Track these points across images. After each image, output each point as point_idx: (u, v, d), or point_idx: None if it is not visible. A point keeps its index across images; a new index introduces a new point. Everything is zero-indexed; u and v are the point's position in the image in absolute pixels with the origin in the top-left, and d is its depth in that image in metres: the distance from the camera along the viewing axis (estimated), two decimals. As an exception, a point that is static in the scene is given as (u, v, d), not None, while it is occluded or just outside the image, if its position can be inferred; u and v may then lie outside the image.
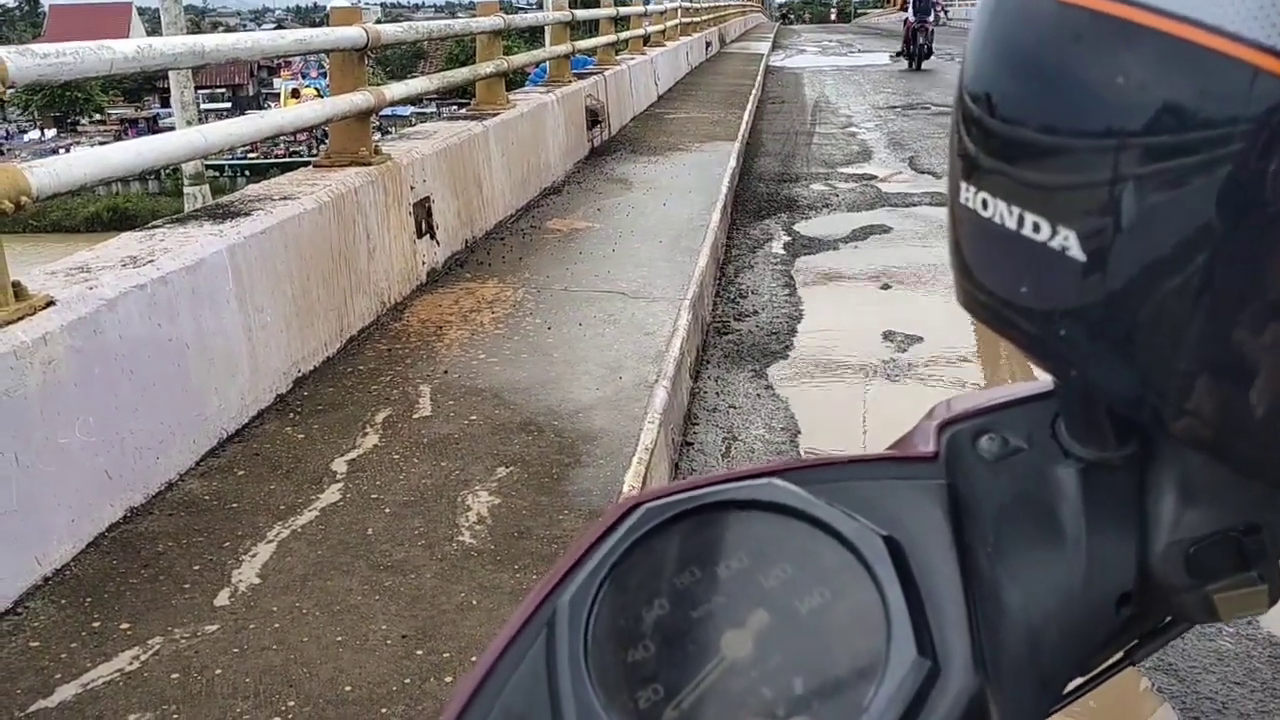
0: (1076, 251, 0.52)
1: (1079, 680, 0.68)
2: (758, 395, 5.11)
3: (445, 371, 4.16)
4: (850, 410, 5.08)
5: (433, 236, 5.49)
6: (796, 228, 8.52)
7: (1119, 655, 0.68)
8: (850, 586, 0.50)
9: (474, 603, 2.69)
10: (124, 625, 2.60)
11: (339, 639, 2.56)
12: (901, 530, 0.53)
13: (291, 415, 3.77)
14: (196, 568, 2.84)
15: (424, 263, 5.37)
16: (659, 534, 0.54)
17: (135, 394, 3.10)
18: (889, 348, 5.73)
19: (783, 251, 7.75)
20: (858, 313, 6.41)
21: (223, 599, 2.71)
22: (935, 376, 5.37)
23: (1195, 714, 2.54)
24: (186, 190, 11.76)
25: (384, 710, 2.31)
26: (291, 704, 2.34)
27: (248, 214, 3.96)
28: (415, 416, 3.74)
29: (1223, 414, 0.46)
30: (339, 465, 3.40)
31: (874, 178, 10.95)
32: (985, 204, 0.55)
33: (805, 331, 6.01)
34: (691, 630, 0.49)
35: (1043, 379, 0.64)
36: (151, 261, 3.30)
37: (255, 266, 3.76)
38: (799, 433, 4.78)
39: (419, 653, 2.50)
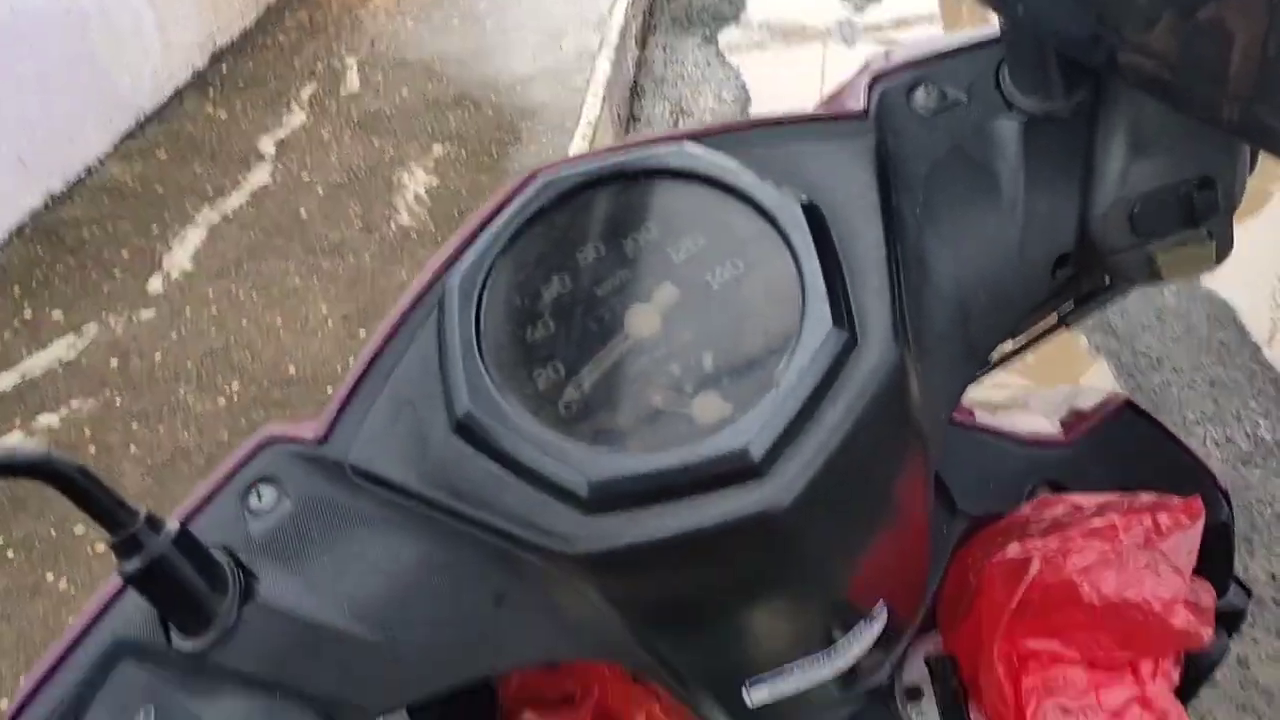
0: None
1: (1010, 345, 0.66)
2: (708, 63, 4.89)
3: (372, 42, 3.90)
4: (805, 77, 4.91)
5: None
6: (751, -125, 7.88)
7: (1052, 318, 0.65)
8: (766, 257, 0.47)
9: (415, 283, 2.66)
10: (55, 314, 2.55)
11: (279, 322, 2.53)
12: (824, 195, 0.49)
13: (211, 92, 3.55)
14: (125, 254, 2.76)
15: (343, -81, 4.92)
16: (560, 207, 0.50)
17: (39, 74, 2.87)
18: (846, 7, 5.46)
19: (736, -97, 7.21)
20: (814, -29, 6.06)
21: (156, 285, 2.65)
22: (895, 39, 5.16)
23: (1131, 370, 2.63)
24: None
25: (329, 389, 2.32)
26: (236, 386, 2.35)
27: None
28: (343, 92, 3.54)
29: (1183, 52, 0.40)
30: (266, 145, 3.24)
31: None
32: None
33: (758, -8, 5.70)
34: (594, 307, 0.47)
35: (991, 26, 0.56)
36: (30, -81, 2.96)
37: (152, -76, 3.41)
38: (750, 101, 4.62)
39: (362, 333, 2.49)
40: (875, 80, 0.55)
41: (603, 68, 3.69)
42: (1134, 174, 0.51)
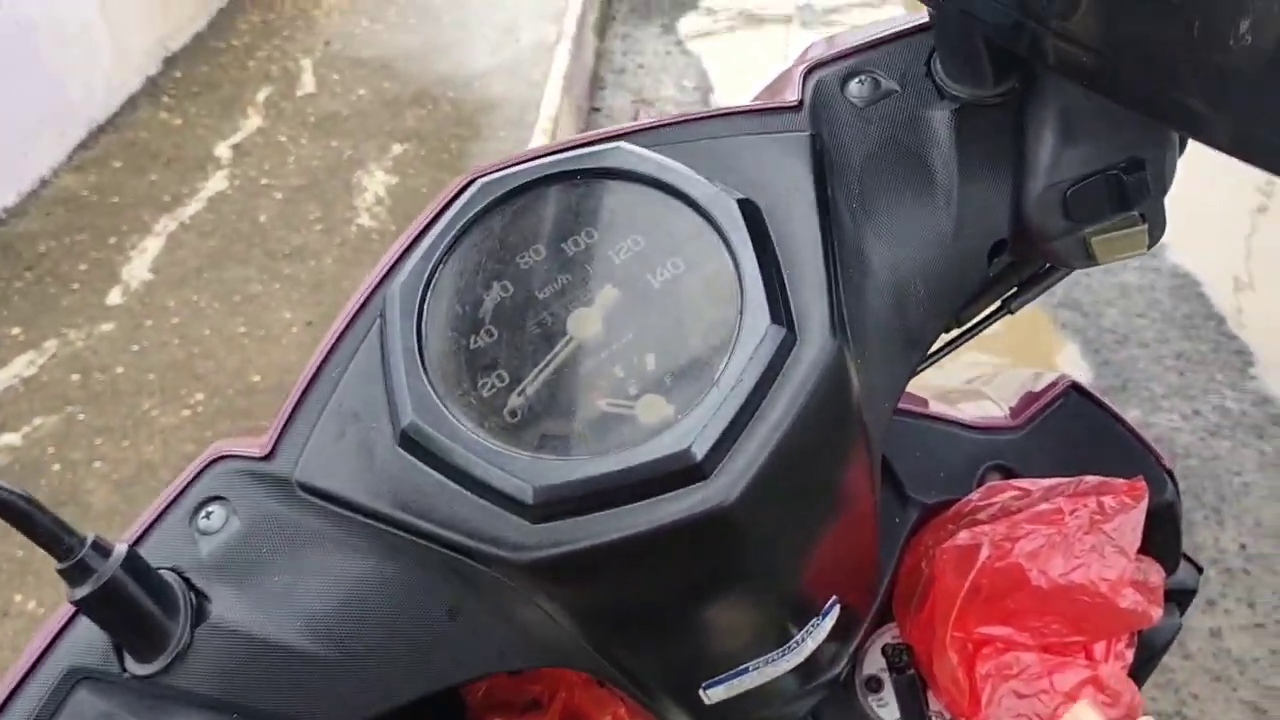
0: None
1: (956, 331, 0.66)
2: (667, 53, 4.88)
3: (326, 42, 3.87)
4: (766, 62, 4.91)
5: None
6: None
7: (996, 305, 0.65)
8: (704, 255, 0.46)
9: (378, 285, 2.64)
10: (15, 330, 2.51)
11: (242, 330, 2.51)
12: (759, 190, 0.48)
13: (165, 99, 3.51)
14: (83, 267, 2.72)
15: (294, -81, 4.87)
16: (498, 210, 0.49)
17: (-17, 85, 2.83)
18: (804, -8, 5.47)
19: (691, -110, 7.19)
20: (772, -45, 6.06)
21: (115, 297, 2.62)
22: (854, 21, 5.16)
23: (1097, 346, 2.65)
24: None
25: (295, 397, 2.31)
26: (200, 397, 2.33)
27: None
28: (299, 94, 3.51)
29: (1105, 38, 0.40)
30: (222, 150, 3.21)
31: None
32: None
33: (716, -21, 5.69)
34: (536, 312, 0.46)
35: (921, 12, 0.56)
36: (-29, -71, 2.91)
37: (97, -69, 3.36)
38: (712, 90, 4.62)
39: (326, 338, 2.47)
40: (810, 71, 0.55)
41: (561, 60, 3.67)
42: (1065, 160, 0.51)
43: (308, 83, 3.58)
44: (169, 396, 2.32)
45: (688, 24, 5.18)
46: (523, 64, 3.70)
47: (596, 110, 4.42)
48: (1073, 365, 2.61)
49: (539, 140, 3.24)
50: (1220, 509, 2.22)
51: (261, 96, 3.51)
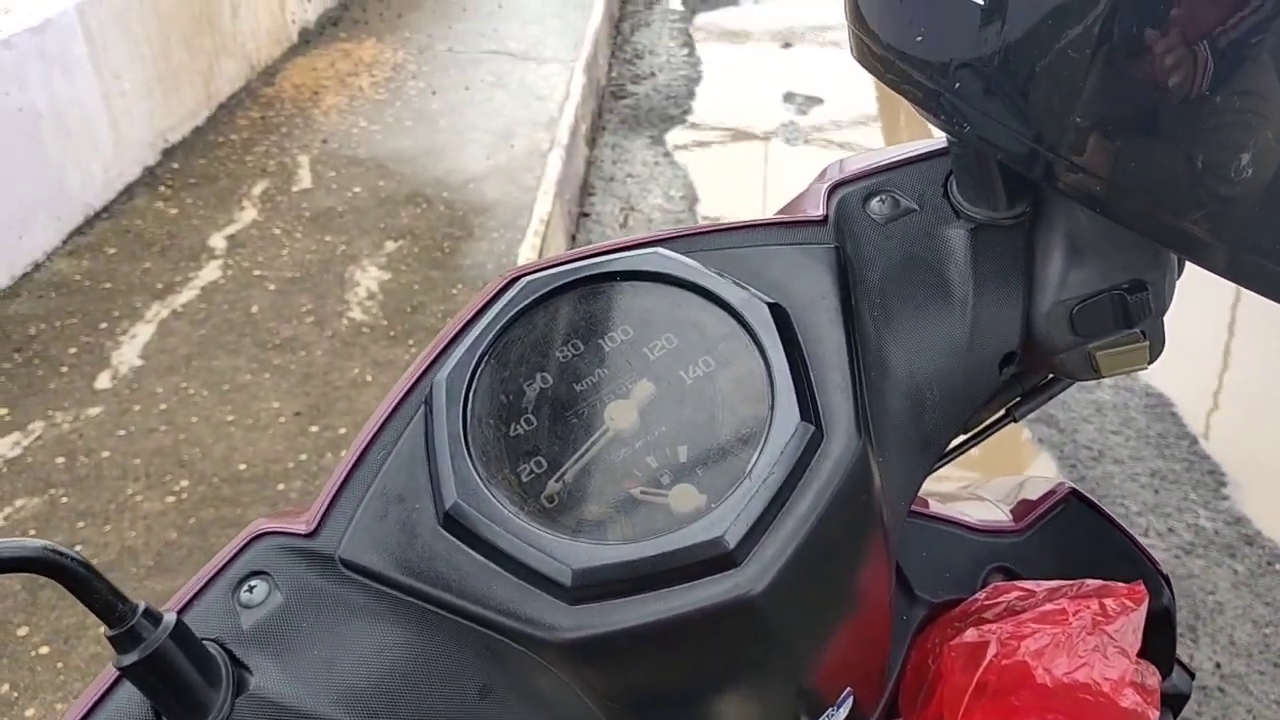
0: None
1: (962, 437, 0.69)
2: (655, 162, 5.01)
3: (324, 140, 3.96)
4: (750, 175, 5.03)
5: (304, -8, 5.10)
6: (695, -17, 8.16)
7: (1001, 412, 0.69)
8: (735, 354, 0.50)
9: (368, 378, 2.66)
10: (1, 411, 2.51)
11: (229, 418, 2.51)
12: (788, 296, 0.52)
13: (162, 189, 3.56)
14: (73, 350, 2.73)
15: (294, 21, 5.01)
16: (541, 307, 0.53)
17: (-14, 170, 2.87)
18: (789, 109, 5.63)
19: (680, 8, 7.44)
20: (758, 73, 6.24)
21: (104, 381, 2.63)
22: (836, 140, 5.32)
23: (1073, 461, 2.69)
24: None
25: (280, 486, 2.31)
26: (185, 484, 2.32)
27: (93, -34, 3.58)
28: (295, 189, 3.58)
29: (1113, 168, 0.44)
30: (217, 241, 3.25)
31: (776, -71, 10.47)
32: None
33: (704, 94, 5.85)
34: (575, 403, 0.49)
35: (938, 138, 0.60)
36: (-13, 21, 2.99)
37: (108, 27, 3.45)
38: (698, 200, 4.72)
39: (313, 429, 2.48)
40: (834, 189, 0.59)
41: (553, 166, 3.77)
42: (1072, 279, 0.55)
43: (304, 178, 3.65)
44: (154, 482, 2.32)
45: (675, 136, 5.32)
46: (516, 169, 3.79)
47: (586, 215, 4.51)
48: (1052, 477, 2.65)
49: (530, 241, 3.30)
50: (1195, 627, 2.24)
51: (258, 190, 3.57)
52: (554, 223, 3.49)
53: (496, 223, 3.41)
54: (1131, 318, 0.55)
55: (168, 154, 3.77)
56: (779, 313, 0.51)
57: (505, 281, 0.54)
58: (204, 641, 0.46)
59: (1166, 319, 0.58)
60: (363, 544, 0.48)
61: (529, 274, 0.54)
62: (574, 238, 4.23)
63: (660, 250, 0.54)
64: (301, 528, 0.50)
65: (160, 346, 2.76)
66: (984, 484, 0.82)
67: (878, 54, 0.54)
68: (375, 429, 0.52)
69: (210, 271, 3.10)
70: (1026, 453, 2.76)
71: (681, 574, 0.44)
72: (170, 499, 2.28)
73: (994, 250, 0.56)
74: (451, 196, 3.58)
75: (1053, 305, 0.55)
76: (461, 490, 0.47)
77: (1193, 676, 0.69)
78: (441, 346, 0.53)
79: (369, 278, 3.08)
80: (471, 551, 0.46)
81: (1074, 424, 2.81)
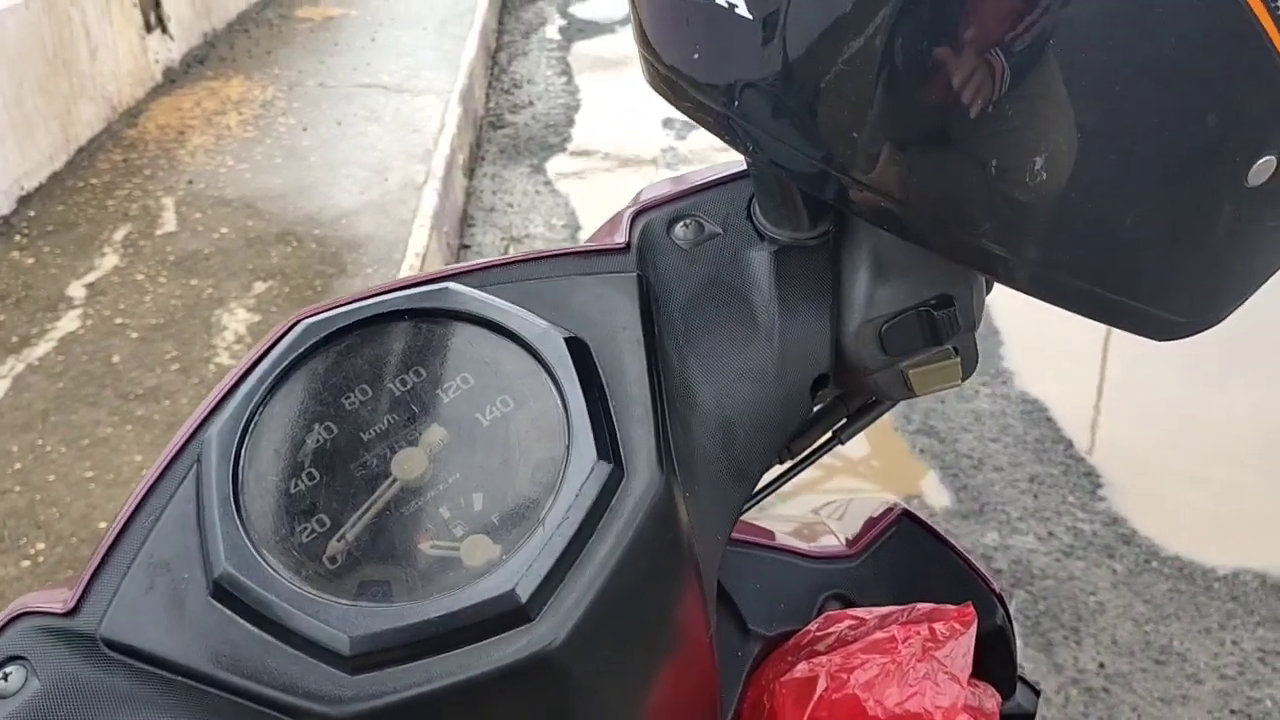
0: (744, 9, 0.45)
1: (790, 463, 0.67)
2: (536, 192, 4.98)
3: (190, 181, 3.83)
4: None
5: (164, 30, 4.95)
6: (571, 10, 8.20)
7: (827, 435, 0.67)
8: (533, 392, 0.46)
9: (238, 425, 2.56)
10: None
11: (89, 474, 2.39)
12: (589, 328, 0.49)
13: (17, 238, 3.40)
14: (-83, 413, 2.58)
15: (157, 61, 4.86)
16: (322, 352, 0.48)
17: None
18: (669, 135, 5.68)
19: (558, 36, 7.46)
20: (636, 100, 6.29)
21: (-49, 444, 2.48)
22: (717, 163, 5.37)
23: (955, 471, 2.74)
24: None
25: (145, 545, 2.20)
26: (41, 546, 2.20)
27: (-69, 8, 3.42)
28: (159, 232, 3.45)
29: (905, 186, 0.43)
30: (76, 290, 3.11)
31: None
32: None
33: (583, 122, 5.86)
34: (359, 454, 0.45)
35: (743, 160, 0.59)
36: None
37: (-51, 70, 3.29)
38: (580, 227, 4.72)
39: (180, 482, 2.38)
40: (638, 215, 0.57)
41: (429, 199, 3.71)
42: (878, 297, 0.54)
43: (168, 221, 3.53)
44: (7, 546, 2.19)
45: (556, 165, 5.32)
46: (390, 203, 3.72)
47: (466, 248, 4.46)
48: (934, 490, 2.69)
49: (406, 276, 3.24)
50: (1078, 628, 2.28)
51: (119, 235, 3.44)
52: (431, 256, 3.43)
53: (370, 258, 3.34)
54: (940, 334, 0.53)
55: (23, 201, 3.60)
56: (577, 346, 0.48)
57: (288, 326, 0.50)
58: None
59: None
60: (126, 620, 0.44)
61: (308, 318, 0.50)
62: (455, 271, 4.18)
63: (451, 285, 0.51)
64: (60, 606, 0.45)
65: (14, 403, 2.62)
66: (844, 506, 0.80)
67: (664, 75, 0.52)
68: (143, 493, 0.47)
69: (68, 322, 2.97)
70: (914, 465, 2.79)
71: (472, 633, 0.41)
72: (25, 563, 2.15)
73: (799, 272, 0.54)
74: (324, 233, 3.49)
75: (860, 325, 0.53)
76: (231, 556, 0.42)
77: (1038, 694, 0.68)
78: (217, 399, 0.49)
79: (237, 321, 2.98)
80: (244, 623, 0.42)
81: (954, 433, 2.86)
